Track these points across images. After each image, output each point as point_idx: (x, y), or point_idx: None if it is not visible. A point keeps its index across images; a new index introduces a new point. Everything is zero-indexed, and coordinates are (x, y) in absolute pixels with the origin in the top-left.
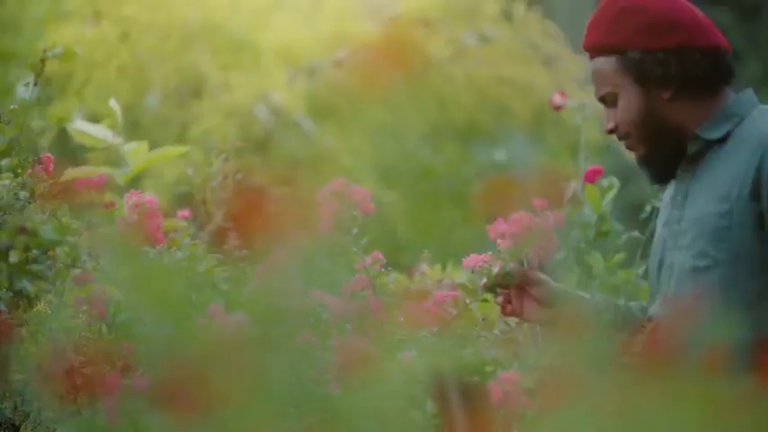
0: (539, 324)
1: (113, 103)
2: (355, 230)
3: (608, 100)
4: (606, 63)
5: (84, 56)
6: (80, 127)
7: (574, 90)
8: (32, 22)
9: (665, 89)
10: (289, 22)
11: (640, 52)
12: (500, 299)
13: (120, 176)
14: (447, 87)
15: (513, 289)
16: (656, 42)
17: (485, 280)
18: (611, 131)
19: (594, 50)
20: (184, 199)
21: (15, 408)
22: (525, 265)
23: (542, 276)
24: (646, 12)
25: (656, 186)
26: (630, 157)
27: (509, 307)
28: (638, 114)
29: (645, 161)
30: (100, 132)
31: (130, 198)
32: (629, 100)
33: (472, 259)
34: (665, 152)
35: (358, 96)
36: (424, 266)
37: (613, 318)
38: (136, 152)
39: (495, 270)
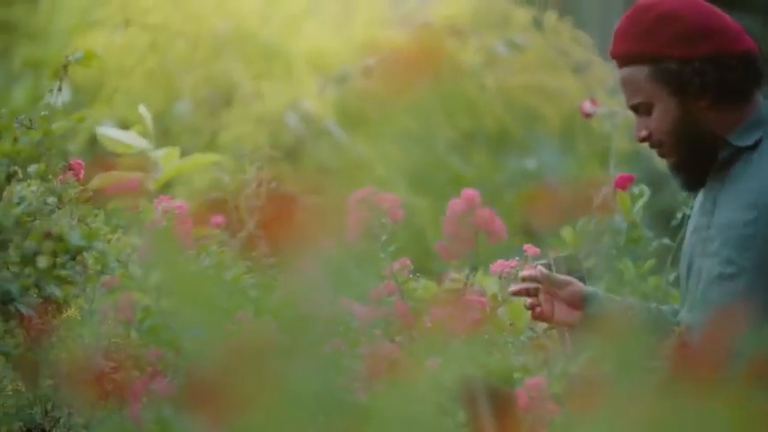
0: (569, 327)
1: (143, 110)
2: (384, 237)
3: (641, 109)
4: (639, 72)
5: (114, 64)
6: (110, 133)
7: (604, 98)
8: (62, 30)
9: (702, 97)
10: (319, 30)
11: (677, 61)
12: (529, 302)
13: (151, 182)
14: (477, 95)
15: (543, 292)
16: (692, 51)
17: (513, 287)
18: (643, 140)
19: (626, 59)
20: (217, 205)
21: (45, 413)
22: (553, 270)
23: (570, 278)
24: (680, 20)
25: (687, 193)
26: (661, 164)
27: (538, 309)
28: (674, 123)
29: (678, 168)
30: (130, 138)
31: (160, 203)
32: (665, 109)
33: (499, 265)
34: (699, 159)
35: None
36: (453, 273)
37: (645, 319)
38: (167, 157)
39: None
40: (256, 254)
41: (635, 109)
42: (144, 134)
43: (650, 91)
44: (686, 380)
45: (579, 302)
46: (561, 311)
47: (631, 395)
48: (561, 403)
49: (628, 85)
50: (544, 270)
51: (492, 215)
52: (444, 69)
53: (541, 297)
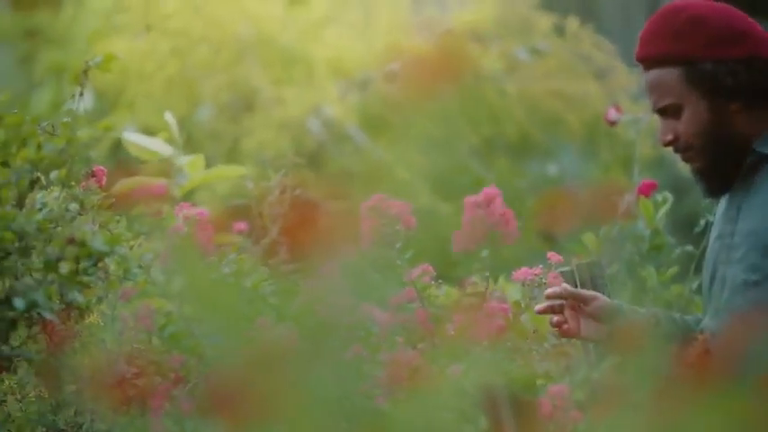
0: (595, 342)
1: (169, 117)
2: (398, 244)
3: (669, 111)
4: (668, 74)
5: (135, 69)
6: (136, 140)
7: (627, 104)
8: (84, 36)
9: (734, 100)
10: (341, 36)
11: (712, 63)
12: (555, 319)
13: (176, 188)
14: (499, 101)
15: (568, 308)
16: (726, 52)
17: (539, 306)
18: (669, 143)
19: (655, 61)
20: (240, 212)
21: (68, 419)
22: (577, 279)
23: (595, 293)
24: (713, 22)
25: (710, 200)
26: (684, 171)
27: (565, 327)
28: (704, 126)
29: (702, 173)
30: (156, 145)
31: (181, 210)
32: (696, 111)
33: (522, 273)
34: (725, 164)
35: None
36: (476, 280)
37: (670, 331)
38: (193, 165)
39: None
40: (278, 260)
41: (662, 112)
42: (170, 141)
43: (681, 93)
44: (708, 386)
45: (605, 317)
46: (587, 327)
47: (653, 402)
48: (584, 411)
49: (656, 88)
50: (569, 287)
51: (508, 214)
52: (466, 75)
53: (567, 313)
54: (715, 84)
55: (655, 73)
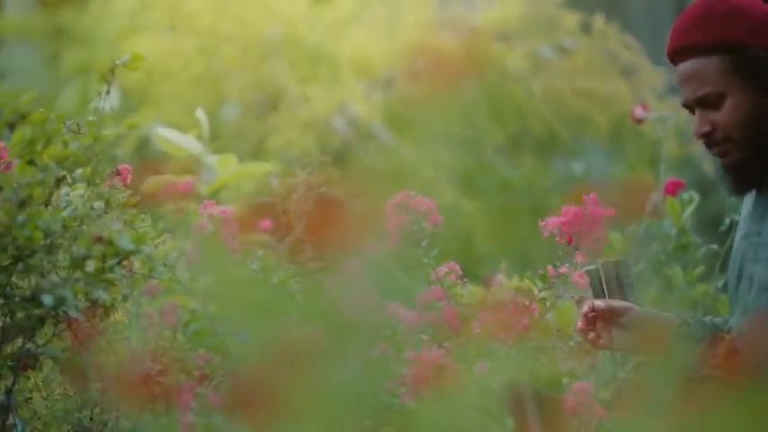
0: (628, 351)
1: (201, 114)
2: (425, 242)
3: (708, 101)
4: (710, 62)
5: (161, 68)
6: (168, 135)
7: (653, 102)
8: (110, 35)
9: None
10: (366, 34)
11: (758, 50)
12: (592, 336)
13: (204, 186)
14: (525, 99)
15: (599, 321)
16: None
17: (580, 324)
18: (705, 134)
19: (695, 49)
20: (265, 209)
21: (93, 417)
22: (602, 278)
23: (627, 304)
24: (758, 8)
25: (735, 199)
26: (709, 169)
27: (601, 341)
28: (746, 115)
29: (734, 169)
30: (187, 142)
31: (206, 208)
32: (738, 101)
33: (549, 271)
34: (760, 158)
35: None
36: (502, 278)
37: (700, 335)
38: (223, 163)
39: (584, 308)
40: (303, 258)
41: (700, 102)
42: (200, 138)
43: (724, 81)
44: (735, 386)
45: (639, 327)
46: (620, 338)
47: (679, 402)
48: (609, 409)
49: (695, 77)
50: (601, 304)
51: (598, 220)
52: (491, 73)
53: (598, 325)
54: (761, 71)
55: (694, 62)
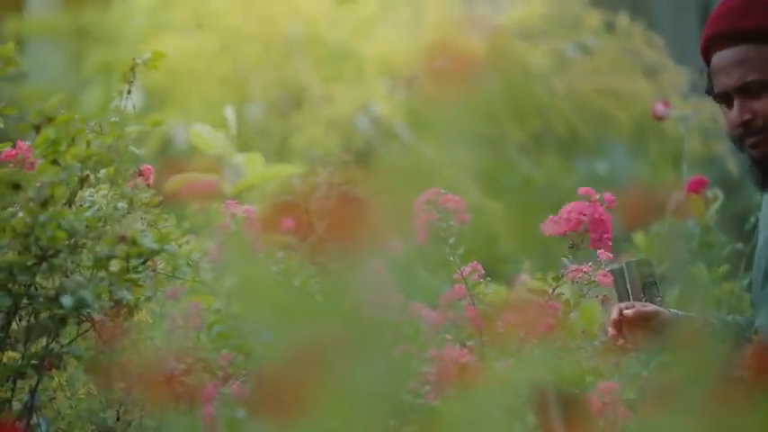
0: (654, 352)
1: (229, 113)
2: (452, 240)
3: (751, 89)
4: (757, 49)
5: (184, 67)
6: (202, 131)
7: (677, 101)
8: (133, 35)
9: None
10: (389, 33)
11: None
12: (621, 342)
13: (229, 185)
14: (548, 98)
15: (626, 325)
16: None
17: (612, 331)
18: (746, 123)
19: (740, 37)
20: (287, 208)
21: (117, 416)
22: (626, 277)
23: (654, 308)
24: None
25: (761, 196)
26: (734, 168)
27: (628, 346)
28: None
29: (766, 161)
30: (218, 140)
31: (228, 208)
32: None
33: (572, 270)
34: None
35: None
36: (525, 277)
37: (725, 335)
38: (250, 162)
39: (613, 314)
40: (325, 258)
41: (743, 90)
42: (228, 137)
43: None
44: (764, 387)
45: (666, 329)
46: (648, 341)
47: (706, 402)
48: (633, 409)
49: (740, 65)
50: (630, 313)
51: (607, 221)
52: (514, 72)
53: (625, 329)
54: None
55: (739, 49)
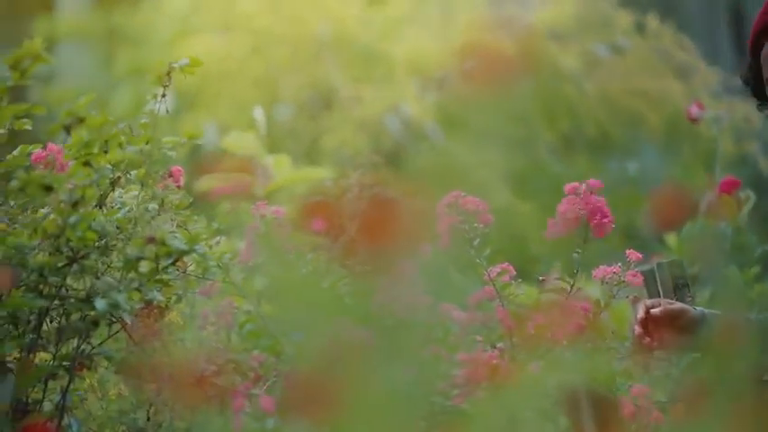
0: (685, 352)
1: (259, 114)
2: (476, 242)
3: None
4: None
5: (214, 69)
6: (234, 138)
7: (708, 101)
8: (163, 36)
9: None
10: (419, 34)
11: None
12: (647, 340)
13: (259, 187)
14: (578, 98)
15: (652, 323)
16: None
17: (638, 330)
18: None
19: None
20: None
21: (148, 418)
22: (657, 278)
23: (681, 306)
24: None
25: None
26: (766, 168)
27: (655, 344)
28: None
29: None
30: (247, 141)
31: (258, 209)
32: None
33: (602, 271)
34: None
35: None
36: (556, 278)
37: (756, 334)
38: (278, 164)
39: (640, 313)
40: (356, 259)
41: None
42: (257, 138)
43: None
44: None
45: (693, 328)
46: (676, 340)
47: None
48: (664, 410)
49: None
50: (656, 311)
51: (602, 205)
52: (545, 73)
53: (652, 328)
54: None
55: None
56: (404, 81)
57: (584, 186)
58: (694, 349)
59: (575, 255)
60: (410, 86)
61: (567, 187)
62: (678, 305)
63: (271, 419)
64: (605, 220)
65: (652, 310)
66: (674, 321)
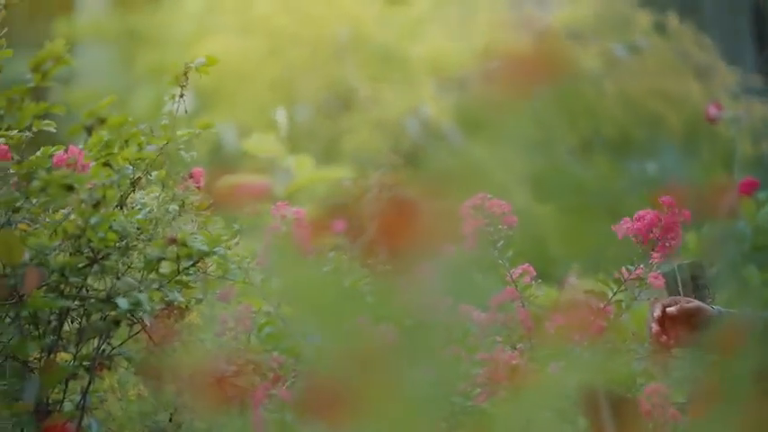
0: (701, 351)
1: (280, 115)
2: (500, 243)
3: None
4: None
5: (233, 70)
6: (255, 140)
7: (727, 102)
8: (181, 37)
9: None
10: (438, 34)
11: None
12: (664, 339)
13: (279, 187)
14: (598, 99)
15: (669, 322)
16: None
17: (656, 328)
18: None
19: None
20: (338, 211)
21: (170, 419)
22: (678, 279)
23: (697, 304)
24: None
25: None
26: None
27: (672, 342)
28: None
29: None
30: (268, 142)
31: (279, 210)
32: None
33: (623, 272)
34: None
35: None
36: (573, 279)
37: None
38: (300, 165)
39: (657, 311)
40: (375, 260)
41: None
42: (278, 140)
43: None
44: None
45: (710, 326)
46: (692, 338)
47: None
48: (683, 411)
49: None
50: (673, 309)
51: (675, 225)
52: (564, 73)
53: (668, 325)
54: None
55: None
56: (423, 82)
57: (667, 204)
58: (708, 348)
59: (624, 270)
60: (429, 87)
61: (664, 200)
62: (695, 303)
63: (290, 413)
64: (674, 242)
65: (668, 309)
66: (690, 319)
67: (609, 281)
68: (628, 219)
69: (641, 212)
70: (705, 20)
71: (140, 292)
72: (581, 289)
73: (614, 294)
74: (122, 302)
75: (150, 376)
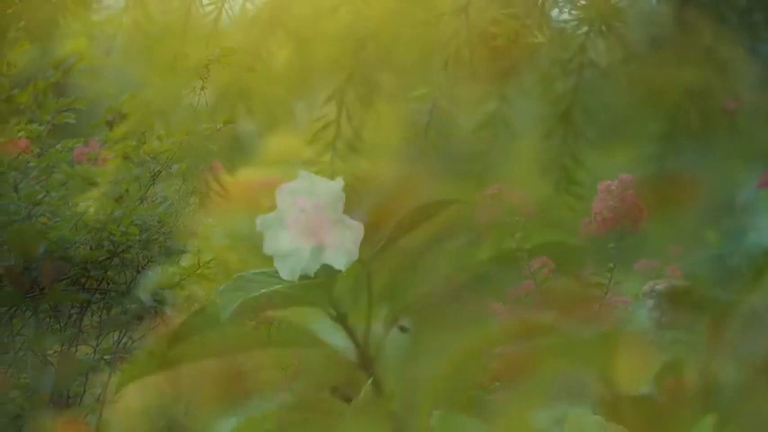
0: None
1: (300, 109)
2: (518, 234)
3: None
4: None
5: (253, 64)
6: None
7: (747, 95)
8: (199, 28)
9: None
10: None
11: None
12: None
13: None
14: (615, 92)
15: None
16: None
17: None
18: None
19: None
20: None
21: (186, 411)
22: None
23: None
24: None
25: None
26: None
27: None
28: None
29: None
30: (289, 136)
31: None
32: None
33: (642, 264)
34: None
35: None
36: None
37: None
38: (319, 157)
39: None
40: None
41: None
42: (298, 133)
43: None
44: None
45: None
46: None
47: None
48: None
49: None
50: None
51: (637, 202)
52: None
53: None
54: None
55: None
56: (439, 72)
57: (616, 183)
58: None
59: (611, 248)
60: (445, 78)
61: (601, 186)
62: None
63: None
64: (640, 216)
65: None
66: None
67: (609, 270)
68: (586, 220)
69: (595, 208)
70: (724, 12)
71: (162, 288)
72: (592, 282)
73: (610, 281)
74: (146, 298)
75: (169, 369)
